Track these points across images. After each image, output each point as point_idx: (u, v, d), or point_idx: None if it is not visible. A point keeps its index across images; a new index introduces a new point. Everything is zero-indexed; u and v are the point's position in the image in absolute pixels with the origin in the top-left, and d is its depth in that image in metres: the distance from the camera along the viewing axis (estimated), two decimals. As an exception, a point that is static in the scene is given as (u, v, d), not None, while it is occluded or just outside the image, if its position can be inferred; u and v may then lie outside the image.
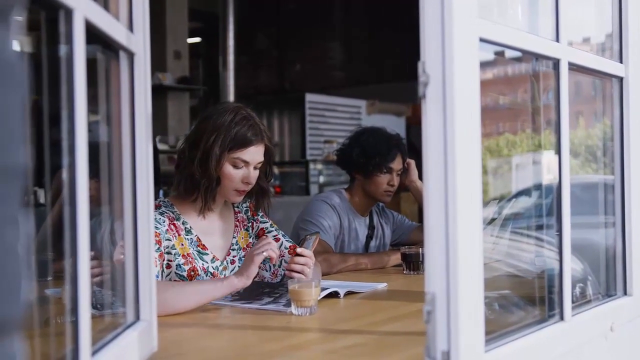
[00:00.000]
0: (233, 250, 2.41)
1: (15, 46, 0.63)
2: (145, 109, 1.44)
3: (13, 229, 0.61)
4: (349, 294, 2.28)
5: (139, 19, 1.43)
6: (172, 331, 1.80)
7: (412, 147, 6.28)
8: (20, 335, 0.63)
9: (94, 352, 1.14)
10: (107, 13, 1.23)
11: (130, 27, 1.41)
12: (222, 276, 2.32)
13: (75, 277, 1.05)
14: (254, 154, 2.29)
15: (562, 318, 1.58)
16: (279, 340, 1.72)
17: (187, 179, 2.28)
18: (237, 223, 2.47)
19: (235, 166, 2.27)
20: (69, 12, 1.04)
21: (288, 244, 2.46)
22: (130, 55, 1.41)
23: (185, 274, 2.25)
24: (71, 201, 1.05)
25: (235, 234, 2.44)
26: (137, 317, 1.43)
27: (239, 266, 2.37)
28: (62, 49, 1.06)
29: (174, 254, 2.23)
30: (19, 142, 0.62)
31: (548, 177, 1.92)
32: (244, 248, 2.44)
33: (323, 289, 2.12)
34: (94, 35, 1.15)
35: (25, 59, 0.63)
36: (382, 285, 2.46)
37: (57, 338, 1.29)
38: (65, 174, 1.06)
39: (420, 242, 3.05)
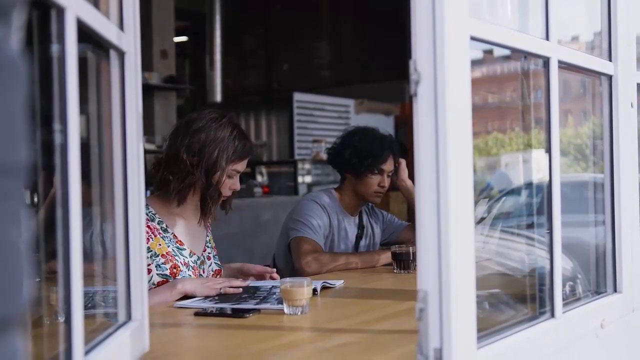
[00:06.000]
0: (208, 247, 2.55)
1: (17, 45, 0.62)
2: (136, 108, 1.44)
3: (15, 225, 0.61)
4: (324, 288, 2.34)
5: (130, 17, 1.43)
6: (164, 331, 1.79)
7: (401, 147, 6.28)
8: (22, 333, 0.63)
9: (87, 352, 1.13)
10: (98, 12, 1.23)
11: (121, 25, 1.40)
12: (201, 270, 2.46)
13: (67, 278, 1.04)
14: (245, 164, 2.47)
15: (553, 315, 1.59)
16: (271, 340, 1.72)
17: (187, 187, 2.37)
18: (208, 224, 2.59)
19: (229, 176, 2.41)
20: (60, 11, 1.03)
21: (215, 267, 2.57)
22: (121, 54, 1.40)
23: (167, 272, 2.32)
24: (63, 202, 1.04)
25: (208, 233, 2.57)
26: (129, 317, 1.43)
27: (215, 262, 2.54)
28: (54, 48, 1.05)
29: (151, 256, 2.30)
30: (21, 140, 0.62)
31: (537, 176, 1.93)
32: (214, 247, 2.59)
33: None
34: (84, 34, 1.15)
35: (26, 58, 0.63)
36: (339, 283, 2.48)
37: (48, 338, 1.28)
38: (56, 175, 1.05)
39: (410, 241, 3.06)
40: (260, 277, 2.53)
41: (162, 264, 2.32)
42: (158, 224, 2.38)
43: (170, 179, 2.36)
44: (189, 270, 2.38)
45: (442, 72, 1.21)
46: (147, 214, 2.35)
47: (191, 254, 2.43)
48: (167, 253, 2.34)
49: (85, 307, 1.15)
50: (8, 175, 0.60)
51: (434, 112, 1.22)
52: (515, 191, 2.50)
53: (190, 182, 2.36)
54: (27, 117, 0.63)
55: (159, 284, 2.28)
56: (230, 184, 2.42)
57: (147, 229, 2.30)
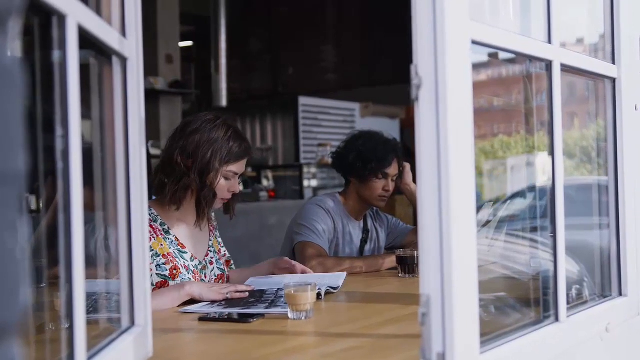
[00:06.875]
0: (211, 252, 2.54)
1: (14, 52, 0.63)
2: (138, 114, 1.44)
3: (12, 233, 0.61)
4: (328, 293, 2.33)
5: (132, 23, 1.43)
6: (168, 336, 1.79)
7: (406, 150, 6.28)
8: (19, 340, 0.63)
9: (90, 358, 1.14)
10: (99, 18, 1.23)
11: (123, 32, 1.41)
12: (202, 275, 2.45)
13: (70, 283, 1.05)
14: (243, 166, 2.46)
15: (557, 319, 1.58)
16: (275, 345, 1.72)
17: (183, 190, 2.37)
18: (211, 228, 2.60)
19: (226, 178, 2.41)
20: (62, 18, 1.03)
21: (218, 272, 2.56)
22: (123, 60, 1.41)
23: (167, 273, 2.33)
24: (65, 208, 1.04)
25: (210, 237, 2.57)
26: (132, 323, 1.43)
27: (217, 267, 2.53)
28: (55, 55, 1.06)
29: (152, 255, 2.31)
30: (18, 148, 0.62)
31: (543, 179, 1.92)
32: (217, 251, 2.58)
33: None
34: (86, 40, 1.15)
35: (22, 65, 0.64)
36: (343, 276, 2.52)
37: (51, 344, 1.28)
38: (58, 180, 1.05)
39: (415, 245, 3.05)
40: (290, 271, 2.55)
41: (163, 264, 2.32)
42: (160, 225, 2.39)
43: (165, 182, 2.36)
44: (188, 273, 2.38)
45: (444, 76, 1.21)
46: (149, 215, 2.35)
47: (192, 258, 2.43)
48: (168, 254, 2.35)
49: (88, 312, 1.15)
50: (5, 183, 0.60)
51: (436, 116, 1.22)
52: (521, 194, 2.49)
53: (186, 184, 2.36)
54: (24, 124, 0.64)
55: (158, 285, 2.29)
56: (228, 186, 2.41)
57: (149, 228, 2.31)
